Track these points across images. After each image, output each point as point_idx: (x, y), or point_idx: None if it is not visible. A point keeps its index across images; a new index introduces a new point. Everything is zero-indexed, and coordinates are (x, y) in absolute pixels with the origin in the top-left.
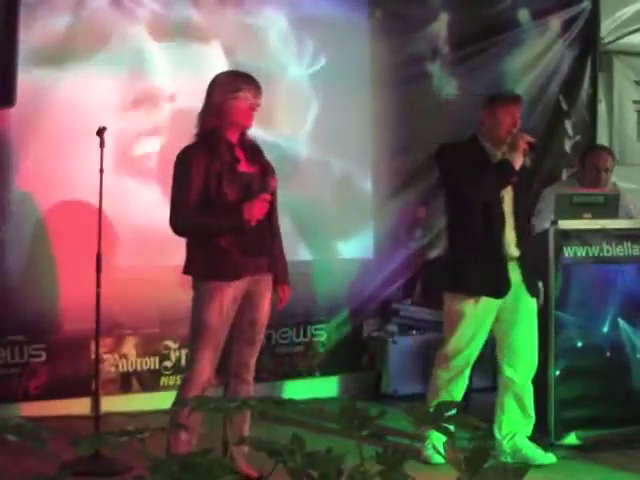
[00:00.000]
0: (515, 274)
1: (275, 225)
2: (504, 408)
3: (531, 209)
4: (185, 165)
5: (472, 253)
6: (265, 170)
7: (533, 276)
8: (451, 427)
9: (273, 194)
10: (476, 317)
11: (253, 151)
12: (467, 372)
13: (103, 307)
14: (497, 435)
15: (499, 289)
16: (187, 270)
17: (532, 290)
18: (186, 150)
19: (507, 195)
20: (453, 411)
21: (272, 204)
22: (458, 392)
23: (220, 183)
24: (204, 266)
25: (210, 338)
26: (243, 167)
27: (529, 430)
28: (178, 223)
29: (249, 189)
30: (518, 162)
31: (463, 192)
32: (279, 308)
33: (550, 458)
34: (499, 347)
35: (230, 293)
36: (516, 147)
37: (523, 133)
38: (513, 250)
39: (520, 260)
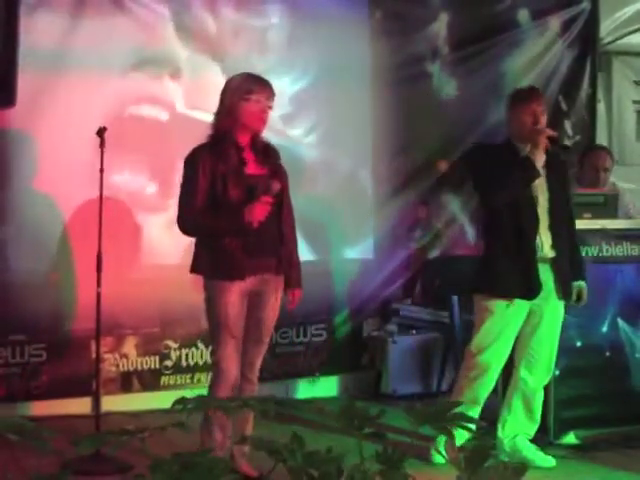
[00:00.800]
0: (547, 276)
1: (286, 227)
2: (511, 408)
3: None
4: (192, 166)
5: (504, 254)
6: (275, 173)
7: (567, 277)
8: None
9: (281, 196)
10: (504, 317)
11: (266, 153)
12: (492, 373)
13: (105, 307)
14: (500, 434)
15: (530, 291)
16: (193, 269)
17: (564, 292)
18: (194, 151)
19: (542, 196)
20: (475, 411)
21: (283, 206)
22: (483, 392)
23: (225, 185)
24: (209, 266)
25: (229, 332)
26: (250, 169)
27: (532, 433)
28: (184, 223)
29: (252, 191)
30: (540, 159)
31: (486, 194)
32: (289, 309)
33: (549, 461)
34: (519, 347)
35: (236, 291)
36: (537, 143)
37: (545, 128)
38: (547, 251)
39: (554, 261)
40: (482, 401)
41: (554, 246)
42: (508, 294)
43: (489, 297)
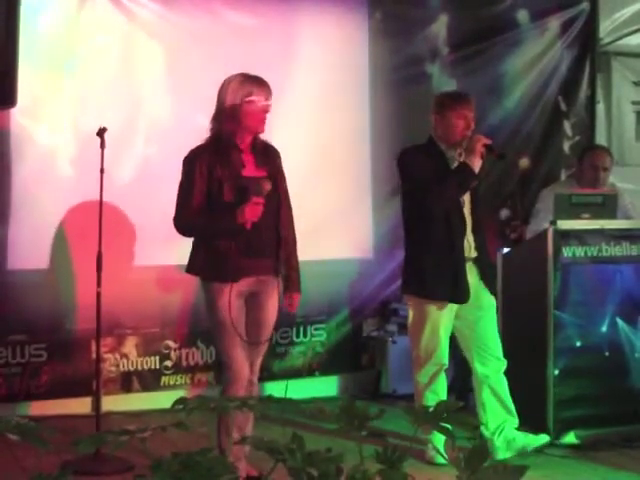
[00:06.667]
0: (472, 274)
1: (284, 229)
2: (485, 406)
3: (529, 210)
4: (190, 167)
5: (433, 258)
6: (274, 175)
7: (491, 275)
8: (449, 427)
9: (278, 197)
10: (441, 318)
11: (266, 154)
12: (444, 369)
13: (106, 307)
14: (486, 434)
15: (459, 296)
16: (188, 269)
17: (491, 288)
18: (193, 152)
19: (466, 197)
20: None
21: (281, 207)
22: (442, 390)
23: (221, 187)
24: (205, 266)
25: (233, 332)
26: (249, 171)
27: (515, 421)
28: (180, 223)
29: (245, 193)
30: (477, 165)
31: (425, 200)
32: (289, 312)
33: (543, 438)
34: (466, 346)
35: (232, 292)
36: (473, 150)
37: (479, 135)
38: (472, 252)
39: (477, 260)
40: (445, 397)
41: (477, 246)
42: (437, 297)
43: (422, 302)
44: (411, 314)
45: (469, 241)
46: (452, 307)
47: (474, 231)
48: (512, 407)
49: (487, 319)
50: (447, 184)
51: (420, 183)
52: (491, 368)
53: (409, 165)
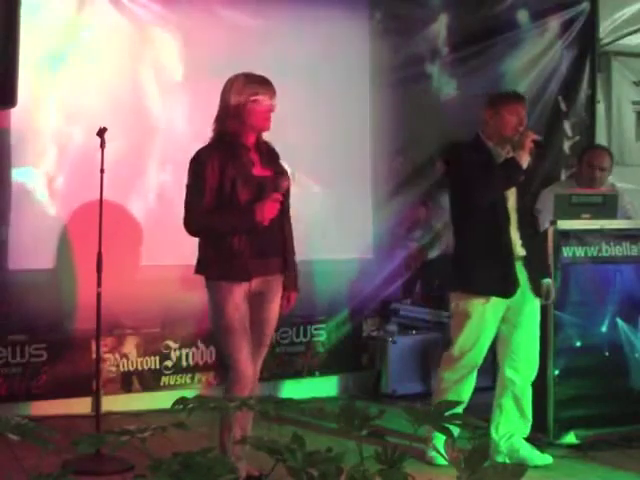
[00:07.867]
0: (521, 274)
1: (287, 229)
2: (502, 409)
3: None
4: (200, 166)
5: (480, 253)
6: (280, 174)
7: (538, 275)
8: (451, 427)
9: (285, 194)
10: (483, 317)
11: (269, 155)
12: (475, 373)
13: (106, 307)
14: (493, 435)
15: (508, 289)
16: (198, 270)
17: (537, 290)
18: (201, 151)
19: (511, 195)
20: (459, 409)
21: (284, 207)
22: (466, 393)
23: (234, 185)
24: (215, 267)
25: (240, 333)
26: (257, 170)
27: (526, 431)
28: (192, 223)
29: (262, 191)
30: (525, 160)
31: (471, 192)
32: (284, 312)
33: (547, 459)
34: (501, 347)
35: (242, 292)
36: (522, 145)
37: (529, 131)
38: (519, 250)
39: (526, 260)
40: (467, 400)
41: (524, 244)
42: (485, 292)
43: (466, 297)
44: (454, 310)
45: (513, 238)
46: (499, 307)
47: (520, 228)
48: (530, 418)
49: (527, 326)
50: (494, 177)
51: (467, 177)
52: (520, 375)
53: (456, 160)
